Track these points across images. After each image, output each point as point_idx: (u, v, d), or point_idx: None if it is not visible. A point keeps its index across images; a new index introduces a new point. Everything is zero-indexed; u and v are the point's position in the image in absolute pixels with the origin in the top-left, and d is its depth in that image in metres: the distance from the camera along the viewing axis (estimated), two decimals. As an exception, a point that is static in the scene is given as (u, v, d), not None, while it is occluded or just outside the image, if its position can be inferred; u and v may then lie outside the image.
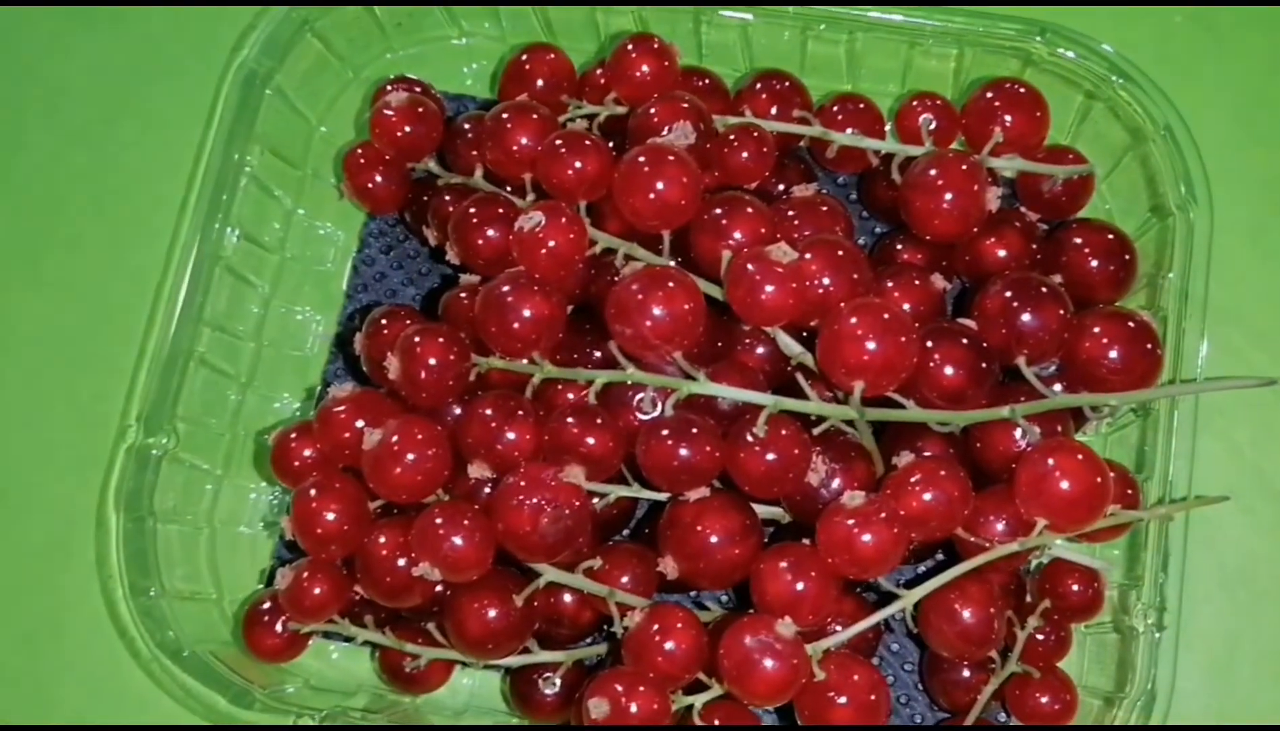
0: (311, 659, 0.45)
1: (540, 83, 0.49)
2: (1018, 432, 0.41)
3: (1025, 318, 0.41)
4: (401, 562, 0.42)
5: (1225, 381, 0.41)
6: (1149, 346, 0.42)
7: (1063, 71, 0.46)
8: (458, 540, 0.40)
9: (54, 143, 0.54)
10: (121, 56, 0.55)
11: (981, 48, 0.47)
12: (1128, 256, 0.45)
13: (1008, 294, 0.42)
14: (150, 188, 0.52)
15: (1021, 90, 0.46)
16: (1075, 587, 0.42)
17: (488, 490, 0.42)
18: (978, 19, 0.46)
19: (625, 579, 0.42)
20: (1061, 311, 0.41)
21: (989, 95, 0.46)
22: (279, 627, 0.44)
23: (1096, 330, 0.42)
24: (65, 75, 0.55)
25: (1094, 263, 0.45)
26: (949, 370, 0.41)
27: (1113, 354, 0.41)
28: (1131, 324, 0.42)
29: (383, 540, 0.42)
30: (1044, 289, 0.42)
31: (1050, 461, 0.39)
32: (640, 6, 0.49)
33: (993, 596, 0.41)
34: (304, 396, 0.50)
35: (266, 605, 0.44)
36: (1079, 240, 0.45)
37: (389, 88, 0.49)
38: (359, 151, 0.49)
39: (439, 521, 0.40)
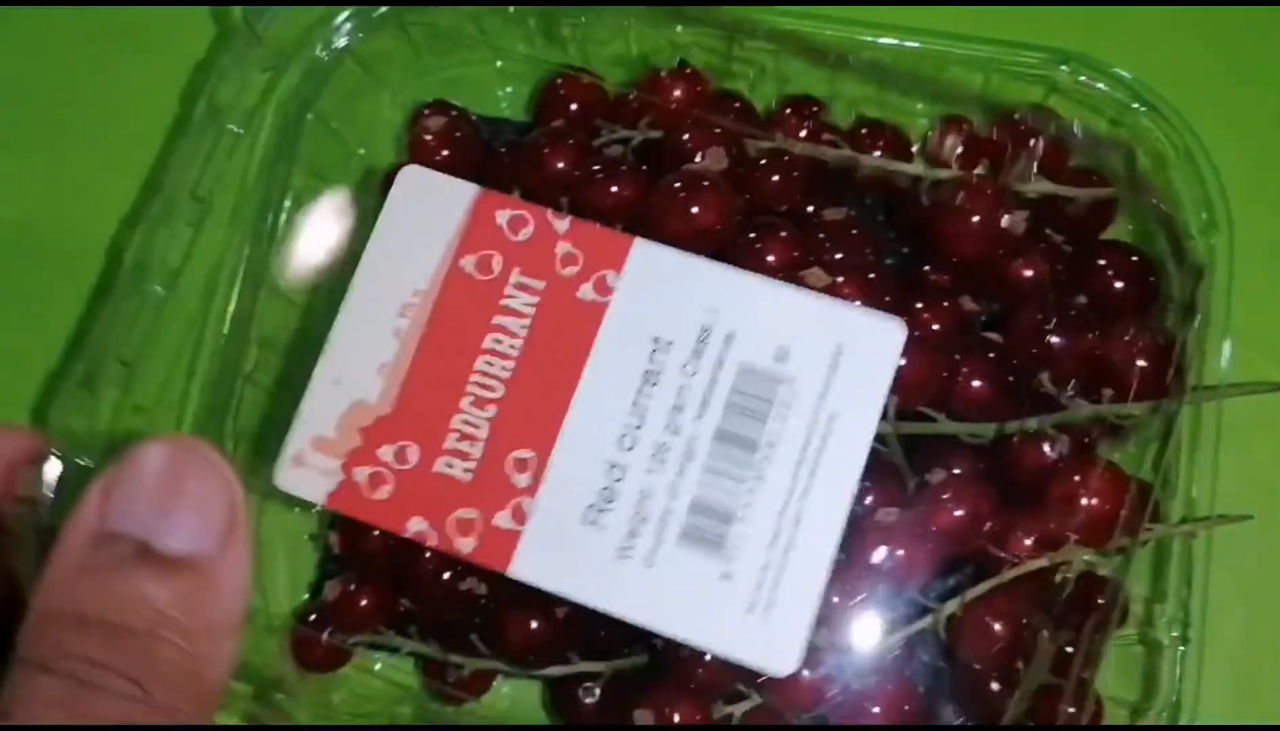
0: (356, 670, 0.47)
1: (574, 107, 0.50)
2: (1046, 446, 0.43)
3: (1054, 339, 0.43)
4: (446, 575, 0.43)
5: (1243, 387, 0.43)
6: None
7: (1086, 98, 0.47)
8: (503, 555, 0.41)
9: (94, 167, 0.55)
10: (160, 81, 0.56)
11: (1006, 75, 0.48)
12: (1152, 278, 0.46)
13: (1038, 316, 0.43)
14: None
15: (1047, 116, 0.47)
16: (1102, 601, 0.44)
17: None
18: (1003, 47, 0.47)
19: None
20: (1090, 334, 0.43)
21: (1015, 120, 0.47)
22: (325, 638, 0.45)
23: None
24: (110, 98, 0.56)
25: (1119, 284, 0.46)
26: (976, 382, 0.43)
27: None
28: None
29: (428, 554, 0.43)
30: (1072, 311, 0.43)
31: (1077, 477, 0.41)
32: (673, 29, 0.50)
33: (1022, 610, 0.42)
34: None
35: (313, 617, 0.45)
36: (1104, 262, 0.46)
37: (426, 112, 0.50)
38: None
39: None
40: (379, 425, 0.41)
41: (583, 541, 0.39)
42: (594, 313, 0.41)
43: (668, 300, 0.41)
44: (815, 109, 0.49)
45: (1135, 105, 0.46)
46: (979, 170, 0.48)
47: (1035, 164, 0.46)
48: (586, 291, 0.41)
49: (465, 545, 0.39)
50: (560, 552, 0.39)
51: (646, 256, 0.42)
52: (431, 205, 0.43)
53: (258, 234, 0.47)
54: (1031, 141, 0.47)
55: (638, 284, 0.41)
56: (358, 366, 0.41)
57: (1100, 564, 0.43)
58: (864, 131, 0.49)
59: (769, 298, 0.41)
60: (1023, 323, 0.43)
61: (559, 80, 0.51)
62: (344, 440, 0.41)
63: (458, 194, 0.43)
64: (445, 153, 0.49)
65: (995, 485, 0.43)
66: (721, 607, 0.38)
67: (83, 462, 0.41)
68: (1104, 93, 0.46)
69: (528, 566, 0.39)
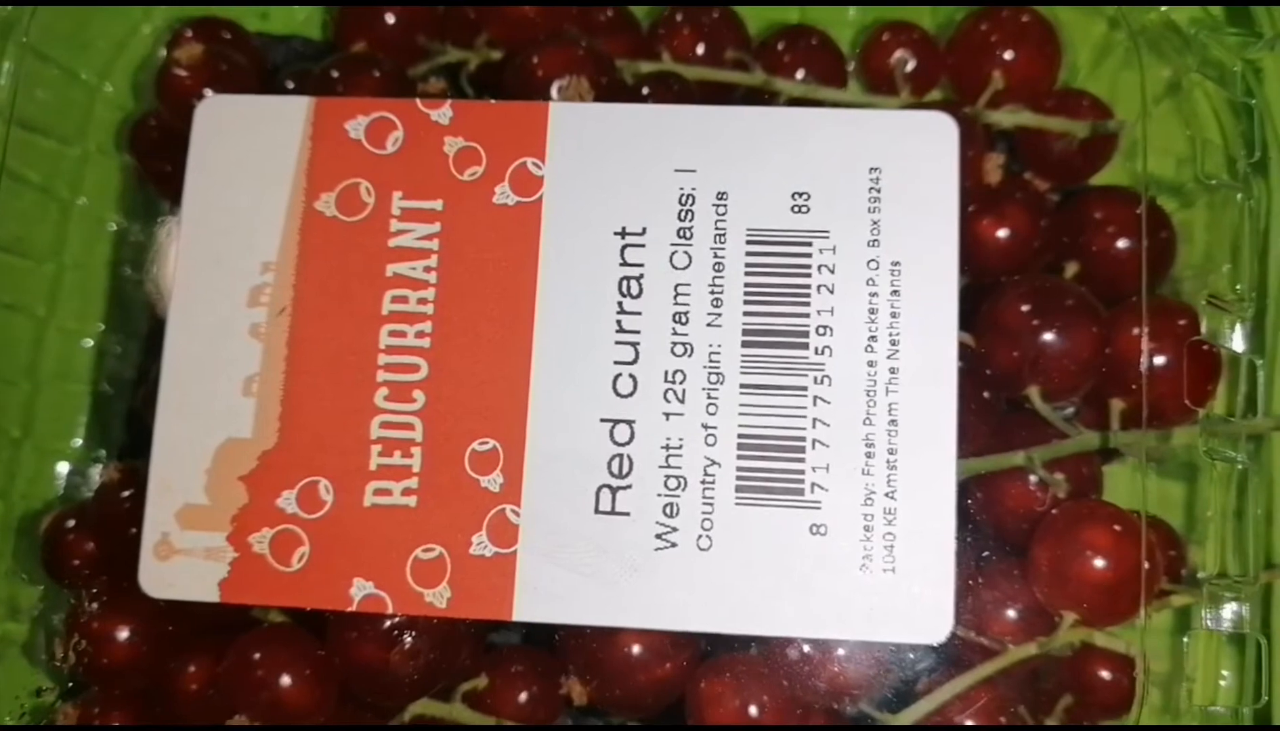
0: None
1: (391, 20, 0.37)
2: (1032, 487, 0.32)
3: (1047, 337, 0.31)
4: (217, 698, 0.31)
5: None
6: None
7: None
8: (286, 680, 0.30)
9: None
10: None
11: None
12: (1163, 234, 0.35)
13: (1024, 307, 0.31)
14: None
15: (1024, 19, 0.35)
16: (1105, 675, 0.33)
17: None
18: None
19: (522, 698, 0.32)
20: (1095, 329, 0.31)
21: (983, 26, 0.35)
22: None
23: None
24: None
25: (1121, 243, 0.34)
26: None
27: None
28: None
29: (192, 670, 0.31)
30: (1071, 300, 0.31)
31: (1079, 536, 0.30)
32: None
33: (1001, 703, 0.31)
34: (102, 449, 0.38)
35: (50, 744, 0.33)
36: (1100, 214, 0.35)
37: (186, 34, 0.37)
38: (151, 122, 0.37)
39: (258, 655, 0.30)
40: (266, 465, 0.29)
41: (604, 540, 0.29)
42: (524, 219, 0.30)
43: (623, 174, 0.30)
44: (714, 15, 0.37)
45: None
46: (935, 94, 0.36)
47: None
48: (504, 194, 0.31)
49: (438, 598, 0.29)
50: (577, 567, 0.29)
51: (575, 124, 0.31)
52: (253, 141, 0.31)
53: None
54: (1004, 54, 0.35)
55: (574, 164, 0.31)
56: (213, 393, 0.30)
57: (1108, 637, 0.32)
58: (780, 45, 0.36)
59: (758, 129, 0.30)
60: (1000, 313, 0.32)
61: (368, -17, 0.37)
62: (223, 500, 0.29)
63: (285, 114, 0.31)
64: (206, 93, 0.35)
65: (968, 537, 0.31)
66: (823, 573, 0.28)
67: None
68: None
69: (536, 600, 0.29)
